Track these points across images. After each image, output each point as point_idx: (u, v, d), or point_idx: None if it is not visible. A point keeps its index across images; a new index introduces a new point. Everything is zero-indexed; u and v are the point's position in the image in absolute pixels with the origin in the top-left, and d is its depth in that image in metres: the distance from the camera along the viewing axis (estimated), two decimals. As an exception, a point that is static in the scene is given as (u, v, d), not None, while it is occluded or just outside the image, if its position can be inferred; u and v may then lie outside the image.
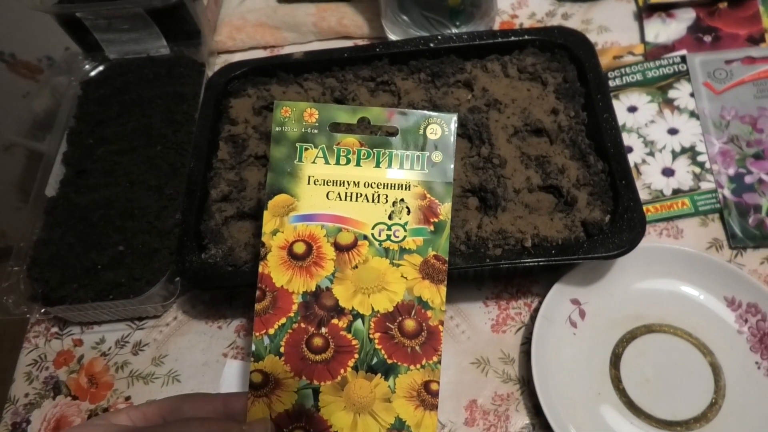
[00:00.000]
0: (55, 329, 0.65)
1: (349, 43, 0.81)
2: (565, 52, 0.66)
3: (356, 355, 0.44)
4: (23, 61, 1.24)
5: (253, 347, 0.45)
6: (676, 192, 0.63)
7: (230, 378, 0.59)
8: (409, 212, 0.46)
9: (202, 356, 0.61)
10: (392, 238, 0.45)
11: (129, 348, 0.63)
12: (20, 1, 1.10)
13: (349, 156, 0.46)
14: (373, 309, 0.45)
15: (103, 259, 0.61)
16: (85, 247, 0.62)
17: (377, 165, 0.46)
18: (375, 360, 0.44)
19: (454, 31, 0.71)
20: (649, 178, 0.64)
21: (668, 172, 0.64)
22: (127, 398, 0.60)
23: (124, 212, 0.63)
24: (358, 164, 0.46)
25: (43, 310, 0.60)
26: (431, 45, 0.67)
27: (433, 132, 0.46)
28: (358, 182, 0.46)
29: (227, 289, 0.63)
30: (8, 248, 0.67)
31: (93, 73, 0.77)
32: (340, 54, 0.69)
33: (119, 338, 0.63)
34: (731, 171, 0.63)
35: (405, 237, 0.45)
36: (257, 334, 0.45)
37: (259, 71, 0.70)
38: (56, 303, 0.60)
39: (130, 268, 0.60)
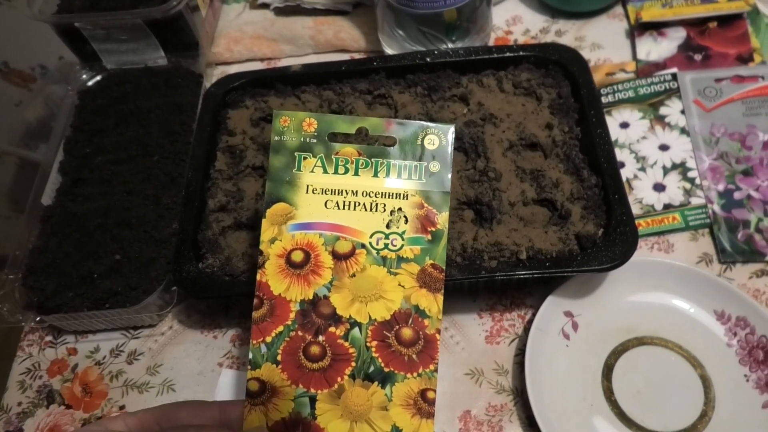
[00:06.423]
0: (49, 338, 0.65)
1: (345, 57, 0.81)
2: (560, 69, 0.67)
3: (353, 364, 0.44)
4: (16, 69, 1.24)
5: (250, 355, 0.45)
6: (667, 207, 0.64)
7: (225, 387, 0.59)
8: (406, 221, 0.46)
9: (197, 365, 0.61)
10: (390, 246, 0.46)
11: (124, 357, 0.63)
12: (14, 10, 1.10)
13: (347, 165, 0.47)
14: (370, 317, 0.45)
15: (100, 267, 0.61)
16: (81, 256, 0.62)
17: (375, 174, 0.47)
18: (372, 368, 0.44)
19: (450, 46, 0.72)
20: (641, 193, 0.65)
21: (659, 188, 0.65)
22: (122, 407, 0.60)
23: (120, 221, 0.63)
24: (356, 174, 0.47)
25: (38, 319, 0.60)
26: (428, 59, 0.68)
27: (431, 142, 0.47)
28: (356, 191, 0.46)
29: (224, 298, 0.63)
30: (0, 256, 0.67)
31: (90, 83, 0.77)
32: (338, 67, 0.70)
33: (114, 347, 0.63)
34: (721, 187, 0.64)
35: (402, 246, 0.46)
36: (254, 342, 0.45)
37: (257, 83, 0.70)
38: (52, 311, 0.60)
39: (126, 277, 0.60)
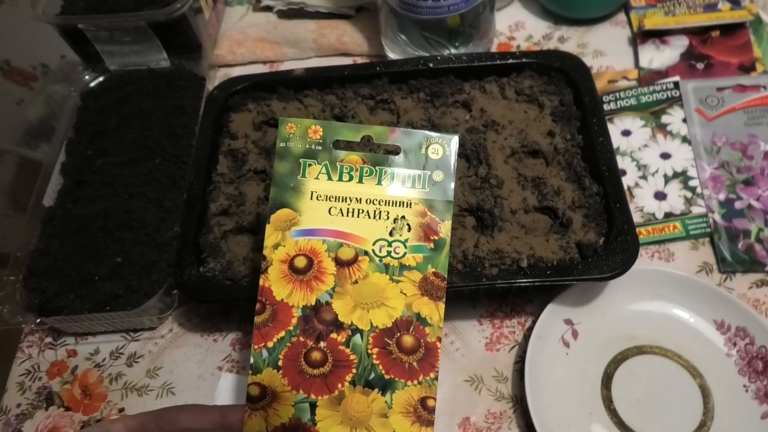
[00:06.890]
0: (49, 339, 0.65)
1: (348, 61, 0.82)
2: (562, 76, 0.67)
3: (354, 370, 0.45)
4: (17, 68, 1.24)
5: (252, 360, 0.45)
6: (668, 216, 0.64)
7: (225, 391, 0.59)
8: (409, 229, 0.46)
9: (197, 369, 0.61)
10: (392, 254, 0.46)
11: (123, 359, 0.63)
12: (16, 9, 1.10)
13: (351, 173, 0.47)
14: (372, 324, 0.45)
15: (101, 270, 0.61)
16: (82, 258, 0.62)
17: (379, 182, 0.47)
18: (372, 375, 0.44)
19: (453, 52, 0.72)
20: (642, 202, 0.65)
21: (660, 196, 0.65)
22: (121, 410, 0.60)
23: (122, 224, 0.63)
24: (360, 181, 0.47)
25: (38, 320, 0.60)
26: (431, 65, 0.68)
27: (435, 152, 0.47)
28: (360, 198, 0.47)
29: (225, 302, 0.63)
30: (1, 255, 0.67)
31: (93, 84, 0.77)
32: (341, 72, 0.70)
33: (114, 349, 0.63)
34: (722, 196, 0.64)
35: (405, 253, 0.46)
36: (256, 346, 0.45)
37: (260, 86, 0.70)
38: (52, 313, 0.59)
39: (127, 280, 0.60)
